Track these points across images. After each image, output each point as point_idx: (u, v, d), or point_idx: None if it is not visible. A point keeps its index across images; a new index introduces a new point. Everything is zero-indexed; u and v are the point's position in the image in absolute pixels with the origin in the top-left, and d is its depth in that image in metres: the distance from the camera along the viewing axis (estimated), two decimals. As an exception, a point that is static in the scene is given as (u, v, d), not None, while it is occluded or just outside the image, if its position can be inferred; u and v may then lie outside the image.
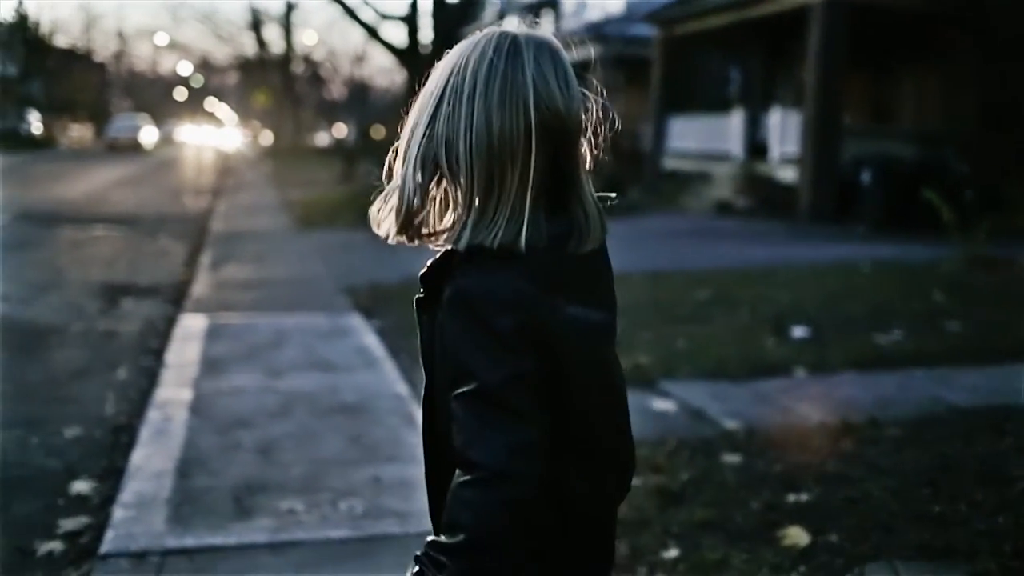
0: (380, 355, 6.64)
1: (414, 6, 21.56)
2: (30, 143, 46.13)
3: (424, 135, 1.40)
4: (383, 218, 1.44)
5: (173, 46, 64.81)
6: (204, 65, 66.71)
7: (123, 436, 4.94)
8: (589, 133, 1.48)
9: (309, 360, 6.42)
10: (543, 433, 1.33)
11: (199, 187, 25.64)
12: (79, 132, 58.71)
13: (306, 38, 54.38)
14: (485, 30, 1.44)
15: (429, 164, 1.39)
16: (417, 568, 1.33)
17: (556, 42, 1.44)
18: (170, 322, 7.84)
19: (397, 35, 30.02)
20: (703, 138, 21.08)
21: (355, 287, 9.60)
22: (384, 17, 22.42)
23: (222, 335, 7.20)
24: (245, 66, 58.81)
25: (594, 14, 28.51)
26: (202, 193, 23.31)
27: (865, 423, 5.06)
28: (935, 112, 18.09)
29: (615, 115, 1.53)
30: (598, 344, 1.47)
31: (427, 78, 1.47)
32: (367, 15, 22.03)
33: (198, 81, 76.05)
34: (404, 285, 9.62)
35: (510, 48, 1.39)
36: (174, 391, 5.64)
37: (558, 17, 32.60)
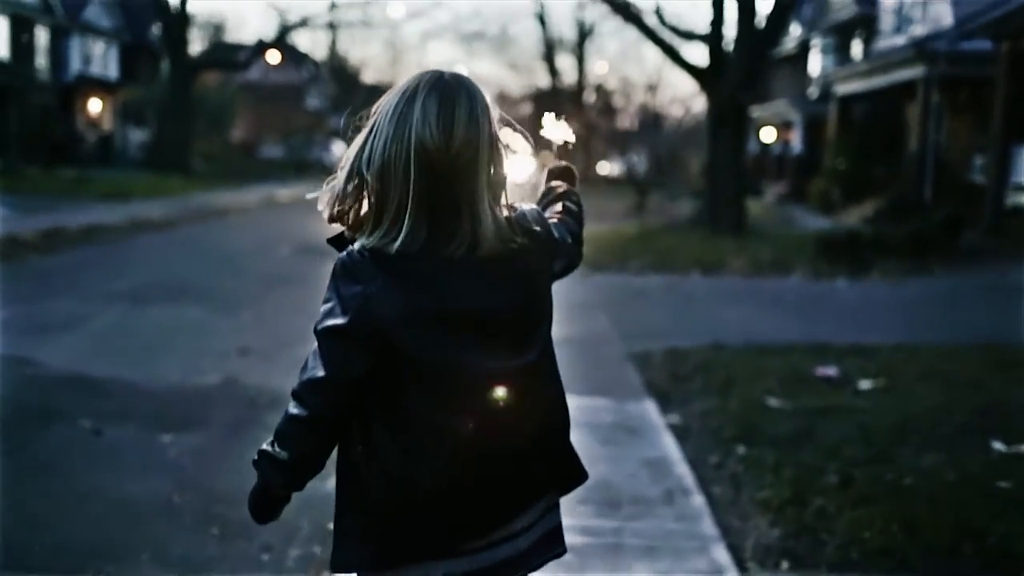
0: (681, 476, 4.68)
1: (717, 25, 19.61)
2: (332, 172, 48.02)
3: (357, 151, 1.77)
4: (321, 204, 1.81)
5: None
6: (499, 97, 67.69)
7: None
8: (504, 158, 1.79)
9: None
10: (339, 377, 1.71)
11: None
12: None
13: (598, 68, 53.52)
14: (419, 72, 1.78)
15: (355, 175, 1.76)
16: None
17: (457, 83, 1.74)
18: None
19: (698, 56, 28.31)
20: (1064, 170, 17.54)
21: (648, 354, 7.69)
22: (684, 36, 20.53)
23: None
24: (538, 97, 58.82)
25: (919, 30, 25.18)
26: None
27: None
28: None
29: (531, 142, 2.02)
30: (452, 331, 1.71)
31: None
32: (666, 36, 20.11)
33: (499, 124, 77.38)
34: (713, 354, 7.64)
35: (412, 90, 1.73)
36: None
37: (871, 36, 29.31)
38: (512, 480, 1.76)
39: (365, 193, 1.74)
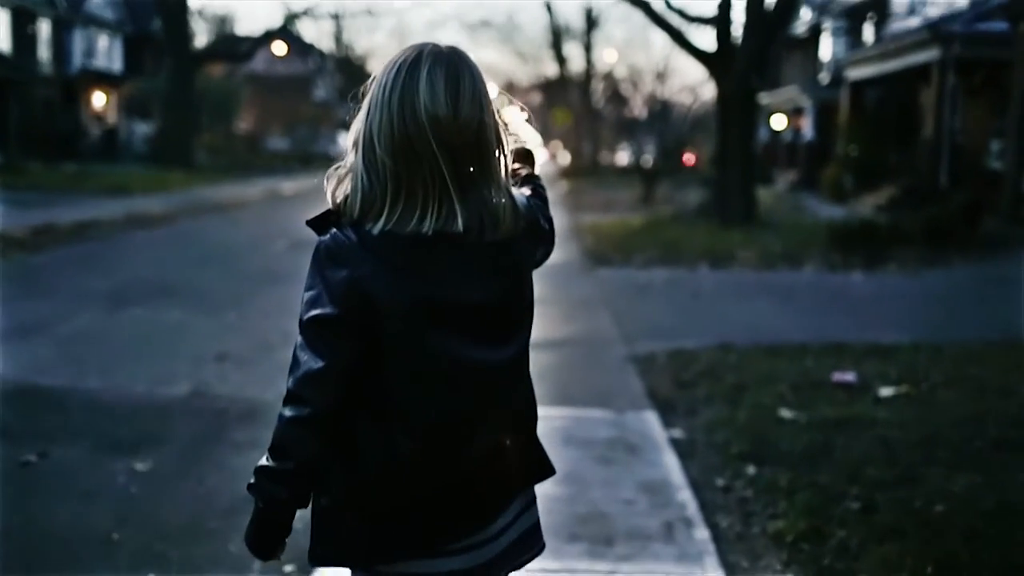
0: (683, 503, 4.17)
1: (725, 8, 19.02)
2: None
3: (364, 135, 1.64)
4: (338, 196, 1.67)
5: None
6: (507, 87, 66.96)
7: None
8: (506, 138, 1.70)
9: (571, 511, 4.03)
10: (338, 365, 1.61)
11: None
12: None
13: (606, 56, 52.88)
14: (410, 45, 1.67)
15: (371, 161, 1.62)
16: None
17: (458, 57, 1.65)
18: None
19: (706, 41, 27.30)
20: (1086, 154, 16.91)
21: (651, 357, 7.18)
22: (692, 20, 19.95)
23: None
24: (546, 86, 58.27)
25: (933, 11, 24.52)
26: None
27: None
28: None
29: (534, 122, 1.91)
30: (441, 321, 1.62)
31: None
32: (674, 20, 19.54)
33: (500, 102, 76.90)
34: (721, 355, 7.13)
35: (413, 62, 1.63)
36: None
37: (883, 18, 28.63)
38: (489, 476, 1.71)
39: (376, 175, 1.62)
